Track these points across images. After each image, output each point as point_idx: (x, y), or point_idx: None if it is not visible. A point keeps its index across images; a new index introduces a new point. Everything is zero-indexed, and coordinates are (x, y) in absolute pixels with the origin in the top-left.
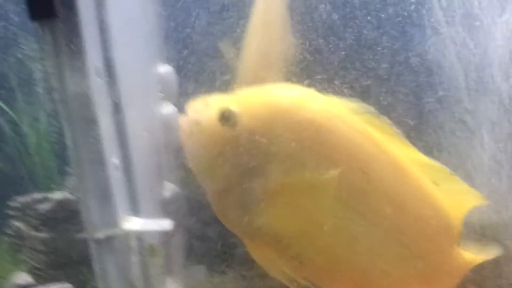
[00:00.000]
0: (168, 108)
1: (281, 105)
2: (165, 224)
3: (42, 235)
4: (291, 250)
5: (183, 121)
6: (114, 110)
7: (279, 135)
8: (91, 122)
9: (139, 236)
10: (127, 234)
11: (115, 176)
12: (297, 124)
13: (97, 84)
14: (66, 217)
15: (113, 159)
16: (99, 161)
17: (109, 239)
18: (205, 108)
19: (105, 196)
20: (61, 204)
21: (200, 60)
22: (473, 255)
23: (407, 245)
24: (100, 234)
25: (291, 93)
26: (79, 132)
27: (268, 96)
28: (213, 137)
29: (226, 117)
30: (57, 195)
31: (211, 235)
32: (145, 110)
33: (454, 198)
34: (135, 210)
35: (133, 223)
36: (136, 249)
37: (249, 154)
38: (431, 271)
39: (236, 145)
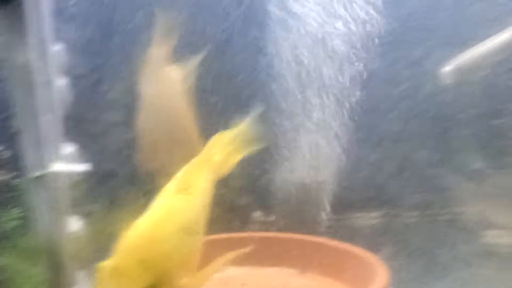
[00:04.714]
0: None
1: None
2: (82, 166)
3: None
4: None
5: None
6: (44, 77)
7: None
8: (32, 86)
9: (63, 175)
10: (55, 174)
11: (46, 129)
12: None
13: (34, 56)
14: None
15: (45, 116)
16: (36, 117)
17: (41, 177)
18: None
19: (39, 144)
20: None
21: None
22: None
23: None
24: (36, 173)
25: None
26: (24, 94)
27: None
28: None
29: None
30: None
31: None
32: (52, 80)
33: None
34: (57, 156)
35: (59, 166)
36: (60, 185)
37: None
38: None
39: None
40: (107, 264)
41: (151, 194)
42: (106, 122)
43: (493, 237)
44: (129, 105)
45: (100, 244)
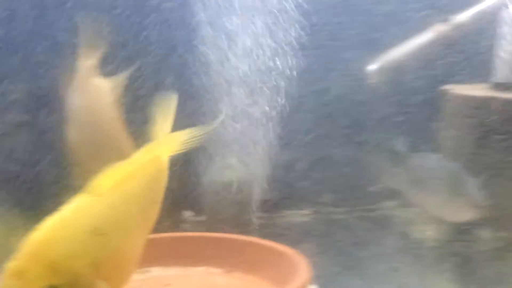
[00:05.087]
0: None
1: None
2: None
3: None
4: None
5: None
6: None
7: None
8: None
9: None
10: None
11: None
12: None
13: None
14: None
15: None
16: None
17: None
18: None
19: None
20: None
21: None
22: None
23: None
24: None
25: None
26: None
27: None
28: None
29: None
30: None
31: None
32: None
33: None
34: None
35: None
36: None
37: None
38: None
39: None
40: (8, 264)
41: (62, 197)
42: (9, 123)
43: (417, 232)
44: (32, 106)
45: (7, 247)
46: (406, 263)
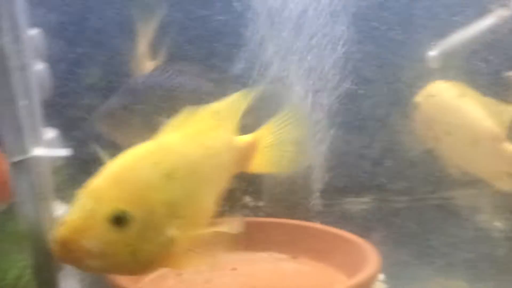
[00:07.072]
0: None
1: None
2: (64, 151)
3: None
4: None
5: None
6: (19, 62)
7: None
8: (7, 71)
9: (45, 160)
10: (36, 159)
11: (25, 114)
12: None
13: (8, 41)
14: None
15: (22, 101)
16: (14, 102)
17: (23, 162)
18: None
19: (19, 130)
20: None
21: None
22: None
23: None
24: (15, 158)
25: None
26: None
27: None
28: None
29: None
30: None
31: None
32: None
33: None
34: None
35: (40, 151)
36: (42, 170)
37: None
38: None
39: None
40: (87, 183)
41: None
42: (85, 107)
43: (483, 221)
44: (106, 90)
45: None
46: (478, 254)
